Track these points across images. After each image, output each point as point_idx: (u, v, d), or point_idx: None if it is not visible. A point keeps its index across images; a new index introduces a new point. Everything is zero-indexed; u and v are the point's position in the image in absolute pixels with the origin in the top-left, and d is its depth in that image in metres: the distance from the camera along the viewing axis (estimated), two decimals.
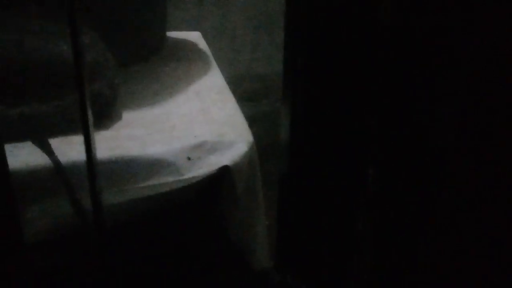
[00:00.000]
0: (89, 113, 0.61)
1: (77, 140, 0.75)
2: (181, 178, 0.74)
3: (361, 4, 0.51)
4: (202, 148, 0.78)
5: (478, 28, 0.46)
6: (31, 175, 0.71)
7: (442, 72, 0.48)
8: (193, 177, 0.73)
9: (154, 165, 0.74)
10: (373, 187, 0.54)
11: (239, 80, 2.22)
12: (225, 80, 1.06)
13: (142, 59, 1.07)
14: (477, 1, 0.46)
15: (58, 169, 0.71)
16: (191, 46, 1.20)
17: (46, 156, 0.72)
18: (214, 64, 1.11)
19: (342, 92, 0.55)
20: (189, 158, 0.75)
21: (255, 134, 0.86)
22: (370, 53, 0.51)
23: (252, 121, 0.97)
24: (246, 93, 2.21)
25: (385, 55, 0.50)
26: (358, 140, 0.55)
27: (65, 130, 0.76)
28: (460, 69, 0.47)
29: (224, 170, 0.74)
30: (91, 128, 0.61)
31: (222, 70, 1.11)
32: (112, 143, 0.77)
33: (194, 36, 1.27)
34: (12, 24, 0.77)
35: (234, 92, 1.04)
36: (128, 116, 0.87)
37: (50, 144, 0.73)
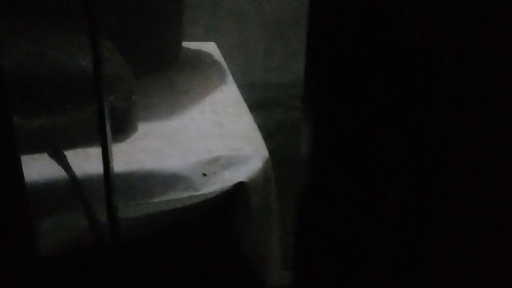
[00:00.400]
0: (108, 126, 0.61)
1: (93, 153, 0.75)
2: (196, 193, 0.73)
3: (387, 13, 0.50)
4: (217, 163, 0.77)
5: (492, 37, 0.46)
6: (47, 188, 0.71)
7: (471, 98, 0.47)
8: (208, 193, 0.73)
9: (169, 180, 0.74)
10: (392, 211, 0.54)
11: (252, 88, 2.23)
12: (238, 88, 1.06)
13: (157, 70, 1.07)
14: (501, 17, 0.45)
15: (74, 182, 0.71)
16: (206, 57, 1.21)
17: (62, 169, 0.72)
18: (229, 76, 1.11)
19: (365, 108, 0.54)
20: (204, 175, 0.75)
21: (267, 142, 0.86)
22: (398, 68, 0.50)
23: (264, 129, 0.97)
24: (259, 101, 2.22)
25: (413, 72, 0.49)
26: (379, 160, 0.54)
27: (81, 142, 0.77)
28: (491, 93, 0.47)
29: (239, 186, 0.74)
30: (109, 141, 0.61)
31: (235, 78, 1.11)
32: (128, 156, 0.77)
33: (209, 47, 1.27)
34: (32, 36, 0.78)
35: (247, 100, 1.05)
36: (144, 128, 0.87)
37: (66, 157, 0.74)
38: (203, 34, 2.15)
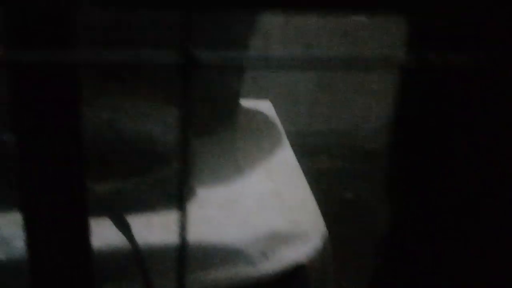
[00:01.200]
0: (183, 193, 0.61)
1: (155, 221, 0.76)
2: (254, 270, 0.73)
3: None
4: (276, 239, 0.77)
5: None
6: (108, 254, 0.72)
7: None
8: (266, 272, 0.73)
9: (228, 254, 0.74)
10: None
11: (298, 135, 2.26)
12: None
13: (214, 132, 1.08)
14: None
15: (135, 251, 0.72)
16: (262, 118, 1.21)
17: (124, 236, 0.73)
18: (284, 138, 1.11)
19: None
20: (264, 253, 0.75)
21: (312, 189, 0.86)
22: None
23: (309, 176, 0.97)
24: (304, 148, 2.24)
25: None
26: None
27: (145, 209, 0.78)
28: None
29: (298, 267, 0.74)
30: (186, 211, 0.61)
31: (281, 125, 1.12)
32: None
33: (265, 106, 1.27)
34: (103, 103, 0.80)
35: (293, 147, 1.05)
36: (200, 194, 0.87)
37: (130, 225, 0.75)
38: (250, 81, 2.17)
